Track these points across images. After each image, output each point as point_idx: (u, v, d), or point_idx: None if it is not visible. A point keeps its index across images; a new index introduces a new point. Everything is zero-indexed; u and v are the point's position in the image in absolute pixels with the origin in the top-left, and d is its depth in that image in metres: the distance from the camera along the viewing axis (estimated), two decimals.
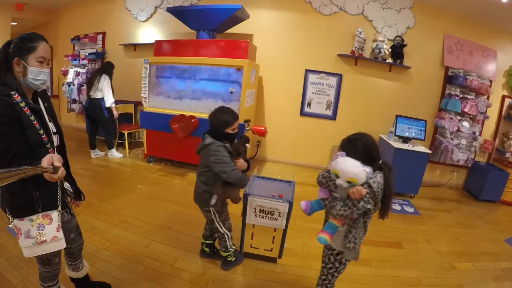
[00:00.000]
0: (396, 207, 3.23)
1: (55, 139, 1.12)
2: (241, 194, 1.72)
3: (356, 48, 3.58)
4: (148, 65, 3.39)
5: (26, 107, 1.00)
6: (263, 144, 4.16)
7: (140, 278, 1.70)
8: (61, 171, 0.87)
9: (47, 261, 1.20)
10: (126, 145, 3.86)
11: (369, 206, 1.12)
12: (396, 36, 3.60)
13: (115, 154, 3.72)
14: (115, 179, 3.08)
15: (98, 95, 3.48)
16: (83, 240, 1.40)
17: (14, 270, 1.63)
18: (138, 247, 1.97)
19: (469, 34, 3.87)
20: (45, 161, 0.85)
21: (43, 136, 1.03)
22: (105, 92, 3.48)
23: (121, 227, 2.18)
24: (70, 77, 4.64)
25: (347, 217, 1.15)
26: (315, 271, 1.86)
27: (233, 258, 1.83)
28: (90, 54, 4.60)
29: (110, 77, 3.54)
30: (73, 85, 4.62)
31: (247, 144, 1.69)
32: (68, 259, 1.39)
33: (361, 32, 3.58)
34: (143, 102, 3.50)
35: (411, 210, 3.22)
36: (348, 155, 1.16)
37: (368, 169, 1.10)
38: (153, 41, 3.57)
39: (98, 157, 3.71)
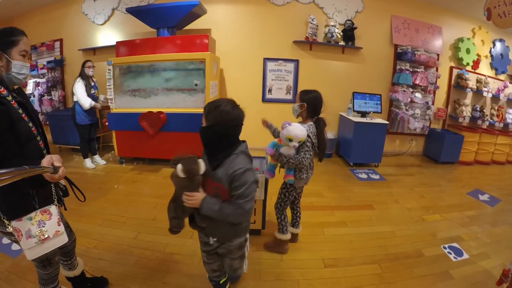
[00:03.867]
0: (362, 175, 3.67)
1: None
2: None
3: (310, 34, 4.02)
4: (112, 66, 3.56)
5: (13, 101, 1.01)
6: None
7: (134, 268, 1.81)
8: (61, 171, 0.90)
9: (48, 261, 1.18)
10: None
11: (309, 155, 1.70)
12: (346, 20, 4.10)
13: (87, 164, 3.69)
14: (90, 184, 3.20)
15: (74, 98, 3.48)
16: (75, 236, 1.44)
17: (5, 283, 1.66)
18: (126, 240, 2.07)
19: (415, 13, 4.45)
20: (45, 161, 0.87)
21: (33, 129, 1.06)
22: (78, 95, 3.40)
23: (105, 225, 2.29)
24: (29, 88, 4.69)
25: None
26: (300, 236, 2.17)
27: None
28: (48, 62, 4.70)
29: (83, 76, 3.45)
30: (34, 96, 4.70)
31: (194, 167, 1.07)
32: (63, 258, 1.41)
33: (314, 19, 4.03)
34: (109, 104, 3.69)
35: (377, 177, 3.67)
36: (301, 94, 1.79)
37: (306, 126, 1.69)
38: (112, 44, 3.77)
39: (72, 165, 3.78)
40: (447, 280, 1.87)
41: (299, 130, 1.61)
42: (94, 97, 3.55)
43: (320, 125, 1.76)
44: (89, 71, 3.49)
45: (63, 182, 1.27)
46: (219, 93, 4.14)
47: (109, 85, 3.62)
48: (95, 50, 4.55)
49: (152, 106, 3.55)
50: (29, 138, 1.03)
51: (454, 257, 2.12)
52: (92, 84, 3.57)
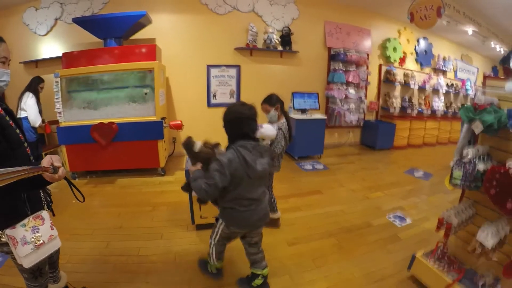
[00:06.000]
0: (308, 166, 4.20)
1: None
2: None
3: (250, 41, 4.46)
4: (59, 78, 3.55)
5: (0, 108, 1.04)
6: (178, 140, 4.71)
7: (114, 274, 1.85)
8: (62, 171, 0.91)
9: (39, 272, 1.18)
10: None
11: (282, 143, 2.09)
12: (284, 27, 4.61)
13: None
14: None
15: (22, 114, 3.46)
16: (60, 244, 1.47)
17: None
18: (98, 250, 2.11)
19: (346, 18, 5.09)
20: (45, 162, 0.88)
21: (20, 135, 1.08)
22: (30, 112, 3.42)
23: (73, 239, 2.27)
24: None
25: None
26: None
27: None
28: None
29: (36, 94, 3.50)
30: None
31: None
32: (48, 270, 1.40)
33: (253, 26, 4.48)
34: (58, 118, 3.73)
35: (321, 167, 4.22)
36: (268, 103, 2.14)
37: (276, 126, 2.08)
38: (55, 55, 3.80)
39: None
40: (396, 241, 2.23)
41: (270, 130, 2.01)
42: (41, 114, 3.66)
43: (289, 120, 2.18)
44: (40, 91, 3.64)
45: (50, 188, 1.29)
46: (166, 101, 4.40)
47: (57, 98, 3.58)
48: (37, 63, 4.48)
49: (103, 117, 3.64)
50: (19, 144, 1.06)
51: (399, 224, 2.53)
52: None
